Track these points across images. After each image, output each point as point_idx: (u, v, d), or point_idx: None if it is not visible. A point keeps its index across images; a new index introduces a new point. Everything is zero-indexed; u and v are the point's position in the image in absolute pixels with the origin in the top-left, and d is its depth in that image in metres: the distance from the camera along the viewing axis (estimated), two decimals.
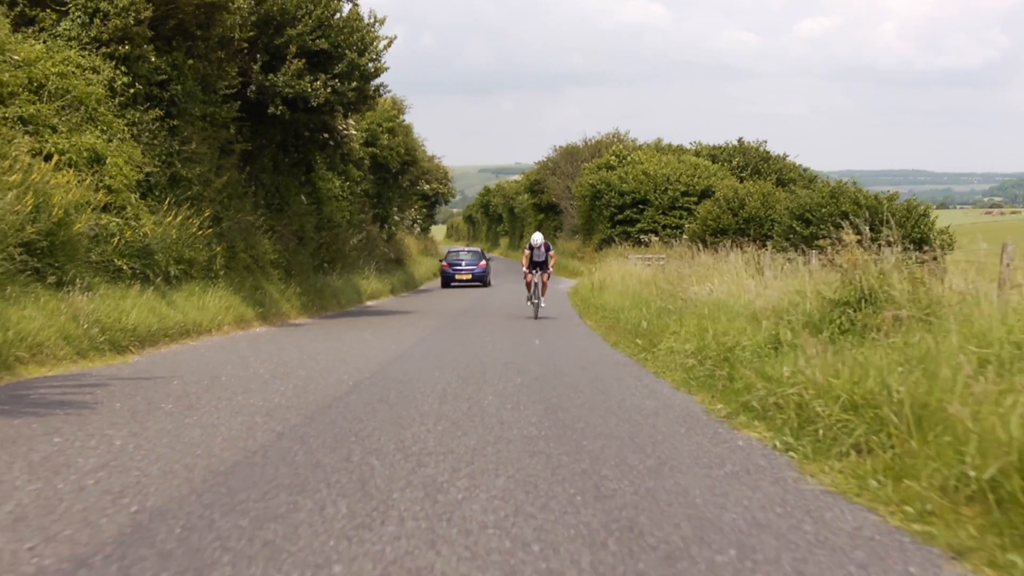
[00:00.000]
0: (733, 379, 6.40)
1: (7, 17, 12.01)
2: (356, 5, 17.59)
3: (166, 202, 12.97)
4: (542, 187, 61.54)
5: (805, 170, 47.28)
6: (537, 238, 17.43)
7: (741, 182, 42.76)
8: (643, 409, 6.29)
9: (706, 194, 38.62)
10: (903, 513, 3.66)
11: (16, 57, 11.55)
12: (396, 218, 34.52)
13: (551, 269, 17.53)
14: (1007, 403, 4.03)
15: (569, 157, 57.04)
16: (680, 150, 51.05)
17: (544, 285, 17.21)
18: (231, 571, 2.93)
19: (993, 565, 3.11)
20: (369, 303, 23.86)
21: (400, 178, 32.21)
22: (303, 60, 16.45)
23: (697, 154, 47.45)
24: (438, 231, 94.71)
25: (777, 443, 4.98)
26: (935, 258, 8.60)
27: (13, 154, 10.10)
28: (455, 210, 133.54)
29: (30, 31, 12.55)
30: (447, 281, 31.63)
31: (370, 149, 27.18)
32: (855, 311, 6.66)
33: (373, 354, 10.38)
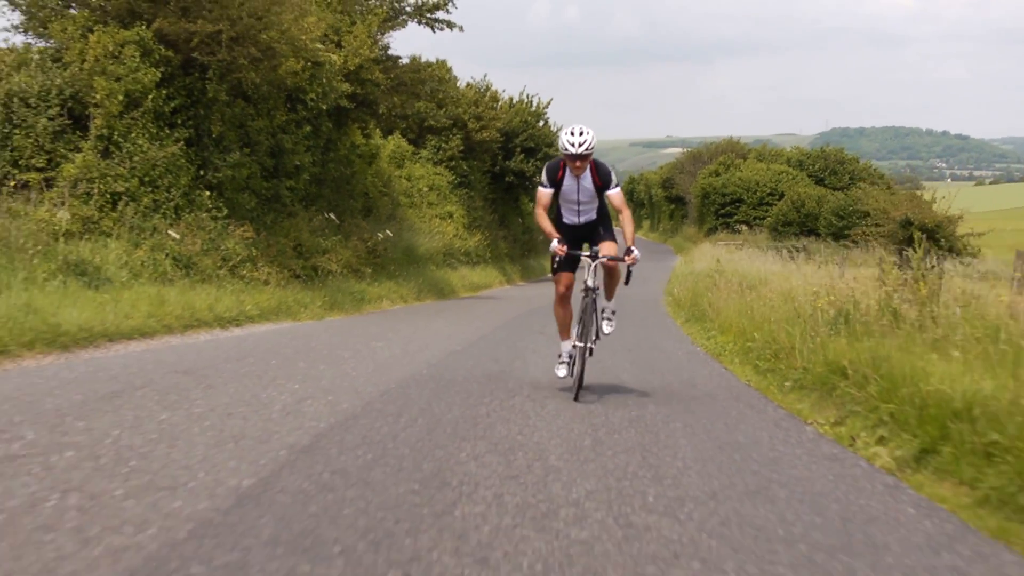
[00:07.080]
0: (680, 304, 22.19)
1: (415, 157, 28.99)
2: (546, 121, 33.94)
3: (473, 231, 29.69)
4: (672, 183, 76.42)
5: (873, 170, 59.88)
6: (579, 137, 6.40)
7: (819, 182, 56.31)
8: (652, 303, 22.08)
9: (783, 195, 52.50)
10: (693, 328, 19.34)
11: (416, 176, 28.44)
12: None
13: (630, 246, 6.67)
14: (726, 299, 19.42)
15: (693, 160, 71.58)
16: (779, 154, 64.68)
17: (614, 278, 7.12)
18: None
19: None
20: (549, 276, 40.31)
21: None
22: (523, 153, 32.91)
23: (788, 161, 60.99)
24: None
25: (679, 319, 20.77)
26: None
27: (430, 219, 26.97)
28: None
29: (414, 160, 29.52)
30: None
31: None
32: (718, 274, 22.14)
33: None
